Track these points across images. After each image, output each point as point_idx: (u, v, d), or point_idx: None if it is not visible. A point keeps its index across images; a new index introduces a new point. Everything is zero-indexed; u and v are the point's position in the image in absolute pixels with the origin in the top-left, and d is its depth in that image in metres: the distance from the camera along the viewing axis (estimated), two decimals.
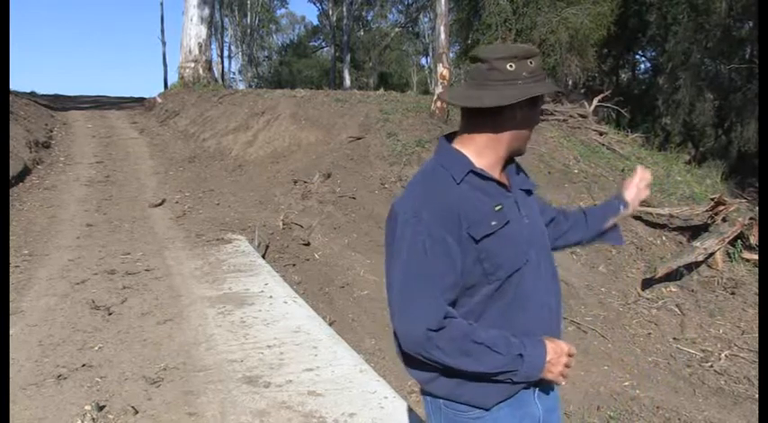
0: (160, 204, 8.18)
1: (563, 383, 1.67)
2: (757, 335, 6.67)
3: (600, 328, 6.52)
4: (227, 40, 40.85)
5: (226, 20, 39.40)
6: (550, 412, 1.79)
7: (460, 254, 1.55)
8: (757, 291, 7.30)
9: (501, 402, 1.65)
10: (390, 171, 8.95)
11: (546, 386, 1.73)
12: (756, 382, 5.82)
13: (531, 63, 1.61)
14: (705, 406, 5.18)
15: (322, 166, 9.11)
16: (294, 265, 6.51)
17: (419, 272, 1.54)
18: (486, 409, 1.64)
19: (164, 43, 25.09)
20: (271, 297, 4.95)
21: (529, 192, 1.79)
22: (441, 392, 1.68)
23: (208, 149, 12.10)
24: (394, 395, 3.39)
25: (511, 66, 1.59)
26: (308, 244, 7.08)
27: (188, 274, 5.51)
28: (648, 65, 30.05)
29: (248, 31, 40.73)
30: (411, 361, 1.67)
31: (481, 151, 1.66)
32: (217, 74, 22.08)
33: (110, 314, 4.55)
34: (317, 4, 40.44)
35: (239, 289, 5.13)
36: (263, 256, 6.29)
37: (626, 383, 5.42)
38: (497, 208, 1.61)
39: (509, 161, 1.76)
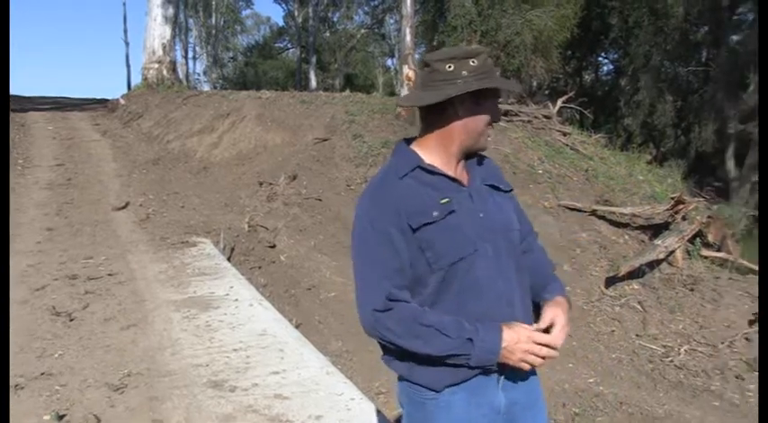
0: (123, 207, 8.06)
1: (527, 368, 1.69)
2: (714, 329, 6.84)
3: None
4: (191, 40, 40.45)
5: (190, 20, 38.98)
6: (523, 408, 1.83)
7: (405, 243, 1.67)
8: (715, 287, 7.49)
9: (454, 386, 1.72)
10: (356, 172, 8.96)
11: (515, 376, 1.77)
12: (714, 375, 5.97)
13: (473, 62, 1.71)
14: (666, 400, 5.29)
15: (288, 168, 9.08)
16: (260, 267, 6.48)
17: (366, 260, 1.71)
18: (438, 391, 1.73)
19: (127, 44, 24.66)
20: (236, 300, 4.91)
21: (497, 188, 1.87)
22: (401, 373, 1.79)
23: (172, 151, 11.97)
24: (361, 397, 3.39)
25: (449, 66, 1.71)
26: (273, 246, 7.05)
27: (152, 278, 5.44)
28: (611, 67, 30.58)
29: (213, 31, 40.36)
30: (382, 346, 1.79)
31: (432, 149, 1.77)
32: (181, 75, 21.87)
33: (71, 320, 4.47)
34: (283, 5, 40.35)
35: (204, 292, 5.08)
36: (229, 259, 6.24)
37: (590, 380, 5.51)
38: (443, 201, 1.70)
39: (477, 159, 1.87)
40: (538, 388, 1.92)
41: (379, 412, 3.25)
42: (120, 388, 3.43)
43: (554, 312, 1.76)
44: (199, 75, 42.19)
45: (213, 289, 5.17)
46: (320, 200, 8.28)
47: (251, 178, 9.37)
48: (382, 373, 4.91)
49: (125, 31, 32.13)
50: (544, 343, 1.68)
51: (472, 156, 1.85)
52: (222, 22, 41.28)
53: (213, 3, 38.55)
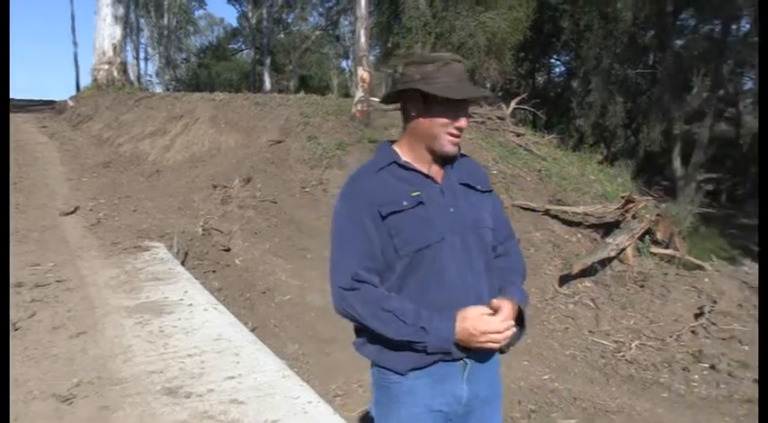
0: (72, 212, 7.87)
1: (495, 347, 1.83)
2: (663, 324, 7.02)
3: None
4: (143, 41, 39.73)
5: (141, 20, 38.28)
6: (483, 402, 1.99)
7: (376, 230, 1.83)
8: (663, 283, 7.68)
9: (419, 370, 1.87)
10: (311, 174, 8.91)
11: (480, 369, 1.93)
12: (662, 368, 6.13)
13: (429, 67, 1.85)
14: (618, 394, 5.40)
15: (242, 171, 8.99)
16: (214, 271, 6.40)
17: (339, 244, 1.88)
18: (402, 375, 1.89)
19: (75, 44, 24.21)
20: (191, 305, 4.84)
21: (472, 187, 1.98)
22: (370, 357, 1.96)
23: (123, 154, 11.74)
24: (318, 400, 3.38)
25: (407, 69, 1.88)
26: (228, 250, 6.97)
27: (103, 284, 5.32)
28: (563, 68, 31.17)
29: (165, 32, 39.71)
30: (355, 330, 1.98)
31: (406, 148, 1.95)
32: (132, 76, 21.46)
33: (16, 330, 4.33)
34: (237, 6, 39.93)
35: (158, 297, 4.99)
36: (183, 264, 6.15)
37: (545, 377, 5.58)
38: (414, 193, 1.86)
39: (461, 161, 2.02)
40: (499, 384, 2.08)
41: (335, 414, 3.24)
42: (69, 399, 3.33)
43: (501, 302, 1.86)
44: (151, 76, 41.54)
45: (167, 294, 5.08)
46: (275, 202, 8.22)
47: (205, 181, 9.25)
48: (339, 376, 4.90)
49: (73, 31, 31.51)
50: (498, 324, 1.79)
51: (451, 160, 1.97)
52: (174, 23, 40.65)
53: (165, 3, 37.93)
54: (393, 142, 2.01)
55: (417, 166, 1.92)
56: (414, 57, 1.91)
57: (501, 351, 1.97)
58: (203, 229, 7.19)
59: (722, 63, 21.67)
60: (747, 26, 22.55)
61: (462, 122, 1.86)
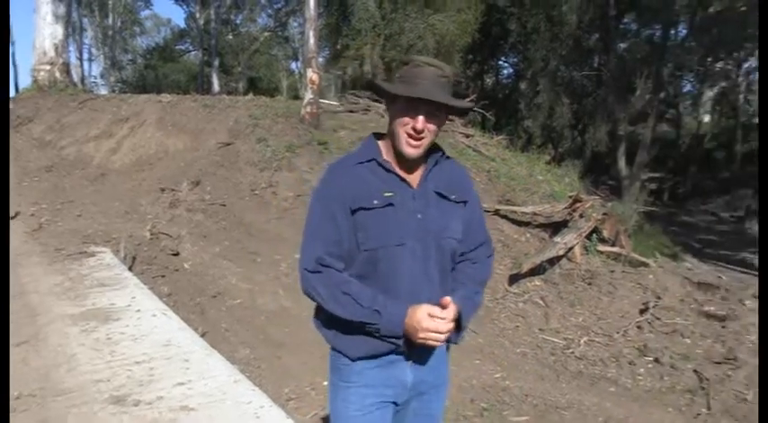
0: (13, 217, 7.62)
1: (434, 343, 1.88)
2: (610, 320, 7.19)
3: (471, 323, 6.73)
4: (86, 41, 38.72)
5: (85, 20, 37.28)
6: (430, 387, 2.11)
7: (345, 220, 1.91)
8: (610, 281, 7.87)
9: (368, 360, 1.98)
10: (261, 177, 8.83)
11: (423, 361, 2.03)
12: (610, 363, 6.28)
13: (404, 68, 1.95)
14: (567, 390, 5.50)
15: (190, 174, 8.85)
16: (163, 276, 6.28)
17: (310, 230, 1.96)
18: (352, 360, 1.99)
19: (12, 42, 23.32)
20: (138, 311, 4.74)
21: (445, 197, 2.02)
22: (326, 337, 2.05)
23: (67, 158, 11.42)
24: (270, 404, 3.35)
25: (398, 69, 1.99)
26: (177, 254, 6.85)
27: (46, 292, 5.16)
28: (511, 70, 31.63)
29: (110, 32, 38.78)
30: (315, 310, 2.07)
31: (386, 146, 2.00)
32: (76, 77, 20.89)
33: None
34: (184, 7, 39.27)
35: (104, 304, 4.87)
36: (130, 269, 6.02)
37: (497, 375, 5.64)
38: (387, 194, 1.91)
39: (445, 167, 2.07)
40: (445, 371, 2.18)
41: (289, 419, 3.21)
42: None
43: (449, 303, 1.91)
44: (95, 77, 40.57)
45: (114, 300, 4.96)
46: (224, 205, 8.11)
47: (152, 184, 9.07)
48: (292, 379, 4.86)
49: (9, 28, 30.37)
50: (440, 317, 1.86)
51: (431, 165, 2.02)
52: (120, 23, 39.76)
53: (110, 2, 37.06)
54: (380, 135, 2.05)
55: (395, 166, 1.97)
56: (405, 59, 1.98)
57: (448, 341, 2.05)
58: (151, 234, 7.05)
59: (662, 66, 22.32)
60: (684, 31, 23.33)
61: (419, 123, 1.87)
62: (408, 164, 1.97)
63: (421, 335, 1.85)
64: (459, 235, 2.05)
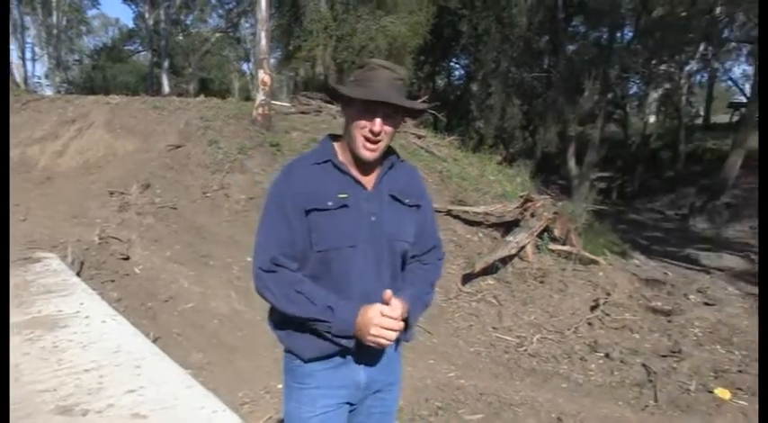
0: None
1: (384, 343, 1.89)
2: (562, 317, 7.33)
3: (425, 323, 6.80)
4: (29, 40, 37.59)
5: (27, 18, 36.20)
6: (383, 386, 2.12)
7: (298, 221, 1.91)
8: (562, 278, 8.02)
9: (320, 361, 1.99)
10: (212, 179, 8.72)
11: (374, 361, 2.05)
12: (562, 360, 6.40)
13: (359, 71, 1.98)
14: (521, 387, 5.58)
15: (140, 176, 8.68)
16: (113, 281, 6.14)
17: (264, 229, 1.97)
18: (305, 361, 2.00)
19: None
20: (87, 317, 4.62)
21: (399, 200, 2.03)
22: (279, 338, 2.05)
23: (10, 161, 11.07)
24: (224, 409, 3.30)
25: (353, 72, 2.05)
26: (127, 258, 6.71)
27: None
28: (462, 72, 31.92)
29: (55, 31, 37.72)
30: (269, 311, 2.07)
31: (342, 148, 2.01)
32: (18, 78, 20.30)
33: None
34: (133, 6, 38.50)
35: (51, 311, 4.73)
36: (78, 274, 5.86)
37: (451, 374, 5.68)
38: (341, 195, 1.92)
39: (400, 170, 2.09)
40: (398, 369, 2.21)
41: None
42: None
43: (398, 301, 1.93)
44: (39, 78, 39.43)
45: (61, 307, 4.83)
46: (175, 208, 7.98)
47: (101, 188, 8.87)
48: (246, 384, 4.81)
49: None
50: (389, 316, 1.87)
51: (386, 168, 2.03)
52: (65, 22, 38.69)
53: (53, 0, 36.05)
54: (336, 137, 2.05)
55: (351, 168, 1.98)
56: (360, 62, 2.07)
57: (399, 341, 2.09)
58: (100, 238, 6.89)
59: (609, 68, 22.84)
60: (630, 34, 23.93)
61: (376, 126, 1.88)
62: (364, 166, 1.98)
63: (373, 332, 1.86)
64: (412, 238, 2.07)
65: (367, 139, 1.91)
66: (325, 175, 1.96)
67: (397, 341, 2.09)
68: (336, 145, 2.02)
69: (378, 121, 1.88)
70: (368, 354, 2.01)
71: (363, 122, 1.89)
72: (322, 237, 1.91)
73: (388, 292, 1.90)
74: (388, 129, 1.92)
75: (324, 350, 1.97)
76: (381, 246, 1.97)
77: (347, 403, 2.07)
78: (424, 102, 15.17)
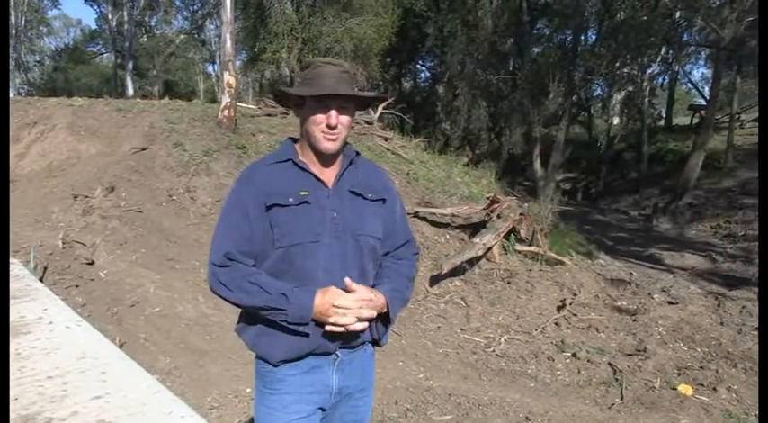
0: None
1: (345, 327, 1.89)
2: (529, 318, 7.40)
3: (394, 326, 6.80)
4: None
5: None
6: (355, 392, 2.10)
7: (258, 218, 1.93)
8: (528, 279, 8.09)
9: (291, 363, 1.98)
10: (178, 182, 8.63)
11: (349, 363, 2.04)
12: (529, 360, 6.46)
13: (308, 71, 1.99)
14: (489, 387, 5.62)
15: (104, 180, 8.55)
16: (77, 286, 6.04)
17: (221, 225, 1.98)
18: (275, 365, 1.99)
19: None
20: (51, 323, 4.53)
21: (361, 196, 2.04)
22: (247, 343, 2.04)
23: None
24: (192, 414, 3.27)
25: (301, 72, 2.04)
26: (92, 263, 6.60)
27: None
28: (428, 74, 32.06)
29: (14, 31, 36.95)
30: (239, 316, 2.07)
31: (301, 149, 2.04)
32: None
33: None
34: (95, 7, 37.86)
35: (13, 318, 4.62)
36: (41, 280, 5.75)
37: (420, 376, 5.70)
38: (303, 193, 1.94)
39: (362, 167, 2.11)
40: (370, 375, 2.19)
41: None
42: None
43: (358, 286, 1.93)
44: None
45: (24, 313, 4.73)
46: (141, 212, 7.87)
47: (64, 191, 8.71)
48: (214, 388, 4.77)
49: None
50: (351, 300, 1.89)
51: (345, 164, 2.05)
52: (24, 22, 37.92)
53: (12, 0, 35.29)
54: (297, 140, 2.09)
55: (311, 166, 2.00)
56: (303, 63, 2.05)
57: (375, 343, 2.12)
58: (64, 242, 6.77)
59: (574, 70, 23.16)
60: (594, 37, 24.31)
61: (332, 119, 1.92)
62: (324, 164, 2.01)
63: (332, 314, 1.87)
64: (379, 234, 2.07)
65: (325, 133, 1.94)
66: (286, 174, 1.99)
67: (373, 343, 2.12)
68: (297, 146, 2.05)
69: (333, 113, 1.92)
70: (343, 352, 2.02)
71: (320, 118, 1.93)
72: (284, 233, 1.92)
73: (348, 280, 1.91)
74: (343, 120, 1.95)
75: (291, 351, 1.96)
76: (346, 241, 1.97)
77: (320, 409, 2.06)
78: (390, 104, 15.25)
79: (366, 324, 1.95)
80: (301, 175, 1.99)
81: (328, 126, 1.93)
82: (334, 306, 1.87)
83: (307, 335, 1.91)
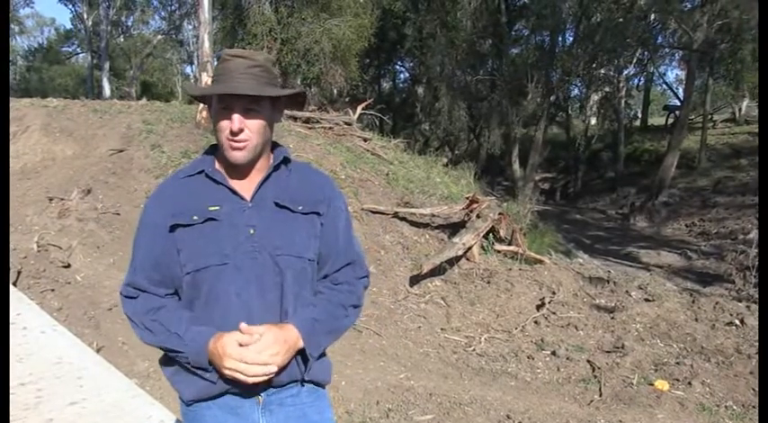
0: None
1: (245, 379, 1.56)
2: (509, 317, 7.45)
3: (374, 326, 6.82)
4: None
5: None
6: None
7: (164, 240, 1.66)
8: (508, 278, 8.14)
9: (207, 402, 1.70)
10: (156, 184, 8.49)
11: (279, 401, 1.72)
12: (510, 358, 6.51)
13: (217, 65, 1.69)
14: (470, 386, 5.65)
15: (81, 182, 8.44)
16: (53, 290, 5.95)
17: (132, 250, 1.75)
18: (187, 405, 1.73)
19: None
20: (25, 328, 4.47)
21: (287, 208, 1.71)
22: (167, 377, 1.77)
23: None
24: (171, 418, 3.25)
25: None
26: (68, 266, 6.52)
27: None
28: (407, 75, 32.11)
29: None
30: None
31: (220, 154, 1.72)
32: None
33: None
34: (70, 7, 37.39)
35: None
36: (14, 284, 5.67)
37: (401, 376, 5.71)
38: (212, 208, 1.66)
39: (297, 177, 1.77)
40: (317, 416, 1.78)
41: None
42: None
43: (267, 327, 1.60)
44: None
45: None
46: (118, 214, 7.80)
47: (39, 194, 8.58)
48: None
49: None
50: (249, 344, 1.56)
51: (269, 169, 1.73)
52: None
53: None
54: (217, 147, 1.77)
55: (227, 176, 1.70)
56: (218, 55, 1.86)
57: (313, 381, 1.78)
58: (38, 246, 6.68)
59: (552, 71, 23.33)
60: (571, 39, 24.51)
61: (235, 124, 1.59)
62: (241, 173, 1.70)
63: (227, 365, 1.54)
64: (310, 253, 1.73)
65: (230, 140, 1.61)
66: (195, 188, 1.69)
67: (318, 384, 1.79)
68: (214, 154, 1.74)
69: (236, 117, 1.58)
70: (273, 392, 1.72)
71: (224, 123, 1.61)
72: (189, 256, 1.64)
73: (243, 325, 1.56)
74: (252, 124, 1.61)
75: (201, 392, 1.67)
76: (265, 263, 1.66)
77: None
78: (369, 105, 15.25)
79: (274, 369, 1.57)
80: (213, 189, 1.68)
81: (231, 132, 1.60)
82: (228, 357, 1.54)
83: (213, 382, 1.64)
